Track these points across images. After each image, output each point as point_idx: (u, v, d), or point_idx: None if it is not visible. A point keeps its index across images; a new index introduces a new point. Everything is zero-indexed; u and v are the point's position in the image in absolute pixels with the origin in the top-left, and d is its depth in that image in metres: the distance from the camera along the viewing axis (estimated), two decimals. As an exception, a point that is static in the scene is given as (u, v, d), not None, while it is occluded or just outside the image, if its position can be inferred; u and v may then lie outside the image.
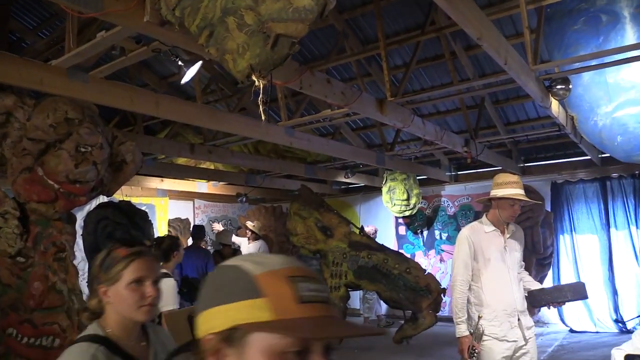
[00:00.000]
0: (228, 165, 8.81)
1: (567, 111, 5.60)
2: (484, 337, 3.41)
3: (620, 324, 7.99)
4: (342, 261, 6.87)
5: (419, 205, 9.81)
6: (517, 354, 3.46)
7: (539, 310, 7.97)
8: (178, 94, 7.17)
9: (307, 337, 0.81)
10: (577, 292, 3.60)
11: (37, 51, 5.26)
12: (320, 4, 2.10)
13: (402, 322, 6.80)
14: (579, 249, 8.52)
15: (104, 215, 6.27)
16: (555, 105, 5.14)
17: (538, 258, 7.92)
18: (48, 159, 3.86)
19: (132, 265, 1.67)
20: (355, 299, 9.85)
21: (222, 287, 0.86)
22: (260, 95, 2.92)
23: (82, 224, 6.22)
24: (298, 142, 6.16)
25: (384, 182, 9.71)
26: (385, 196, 9.67)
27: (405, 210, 9.57)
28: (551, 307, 3.73)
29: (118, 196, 6.46)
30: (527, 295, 3.64)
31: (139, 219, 6.54)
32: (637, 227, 8.03)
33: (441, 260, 10.02)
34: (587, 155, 7.84)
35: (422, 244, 10.32)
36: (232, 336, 0.83)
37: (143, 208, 7.18)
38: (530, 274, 3.92)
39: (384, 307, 9.71)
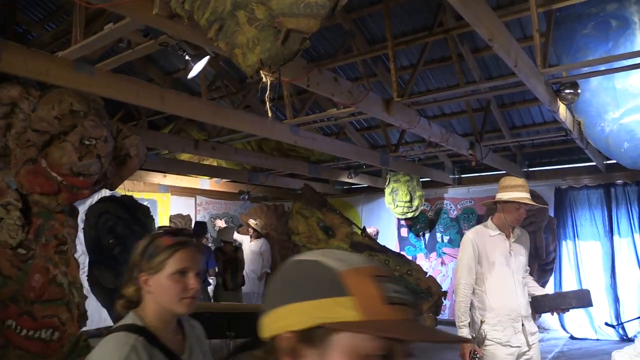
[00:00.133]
0: (231, 162, 8.78)
1: (574, 116, 5.57)
2: (487, 342, 3.38)
3: (620, 331, 7.96)
4: (344, 261, 6.83)
5: (422, 207, 9.78)
6: (520, 360, 3.44)
7: (540, 316, 7.94)
8: (183, 91, 7.14)
9: (399, 340, 0.76)
10: (582, 299, 3.56)
11: (43, 44, 5.23)
12: (333, -1, 2.07)
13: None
14: (582, 256, 8.48)
15: (105, 210, 6.27)
16: (562, 110, 5.10)
17: (540, 263, 7.88)
18: (52, 150, 3.84)
19: (176, 255, 1.60)
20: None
21: (300, 283, 0.81)
22: (267, 92, 2.90)
23: (84, 218, 6.21)
24: (303, 141, 6.14)
25: (387, 184, 9.68)
26: (387, 197, 9.65)
27: (407, 212, 9.54)
28: (554, 313, 3.70)
29: (120, 191, 6.43)
30: (530, 300, 3.61)
31: (140, 214, 6.54)
32: (640, 235, 7.99)
33: (442, 263, 9.99)
34: (591, 161, 7.81)
35: (423, 246, 10.29)
36: (313, 335, 0.77)
37: (145, 203, 7.16)
38: (531, 279, 3.89)
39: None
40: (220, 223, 9.43)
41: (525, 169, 9.03)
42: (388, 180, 9.65)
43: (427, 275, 6.70)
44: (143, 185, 9.41)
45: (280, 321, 0.81)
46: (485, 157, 7.11)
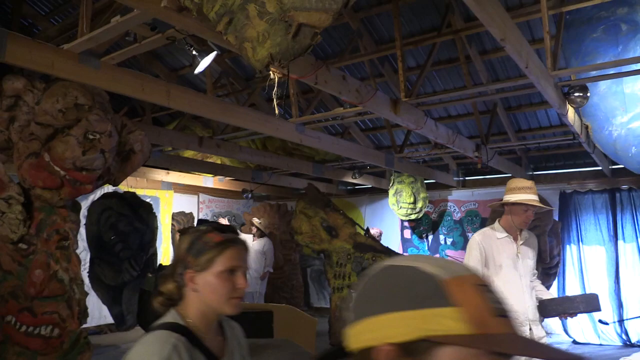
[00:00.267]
0: (235, 160, 8.75)
1: (582, 120, 5.52)
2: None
3: (623, 336, 7.91)
4: (347, 262, 6.80)
5: (425, 209, 9.74)
6: (526, 365, 3.39)
7: (543, 320, 7.88)
8: (188, 87, 7.12)
9: (508, 355, 0.71)
10: (590, 303, 3.51)
11: (48, 37, 5.20)
12: (345, -6, 2.03)
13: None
14: (586, 260, 8.43)
15: (108, 206, 6.25)
16: (571, 113, 5.06)
17: (544, 267, 7.82)
18: (55, 144, 3.80)
19: (226, 253, 1.52)
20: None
21: (397, 291, 0.75)
22: (275, 89, 2.85)
23: (86, 214, 6.19)
24: (308, 140, 6.10)
25: (391, 185, 9.64)
26: (391, 198, 9.61)
27: (411, 214, 9.50)
28: (561, 318, 3.65)
29: (123, 187, 6.40)
30: (537, 304, 3.56)
31: (142, 210, 6.52)
32: (645, 240, 7.94)
33: (445, 265, 9.92)
34: (597, 166, 7.76)
35: (426, 248, 10.23)
36: (416, 348, 0.72)
37: (147, 200, 7.14)
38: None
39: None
40: (224, 221, 9.39)
41: (531, 173, 8.98)
42: (392, 181, 9.60)
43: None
44: (146, 182, 9.37)
45: (376, 332, 0.75)
46: (491, 160, 7.07)
